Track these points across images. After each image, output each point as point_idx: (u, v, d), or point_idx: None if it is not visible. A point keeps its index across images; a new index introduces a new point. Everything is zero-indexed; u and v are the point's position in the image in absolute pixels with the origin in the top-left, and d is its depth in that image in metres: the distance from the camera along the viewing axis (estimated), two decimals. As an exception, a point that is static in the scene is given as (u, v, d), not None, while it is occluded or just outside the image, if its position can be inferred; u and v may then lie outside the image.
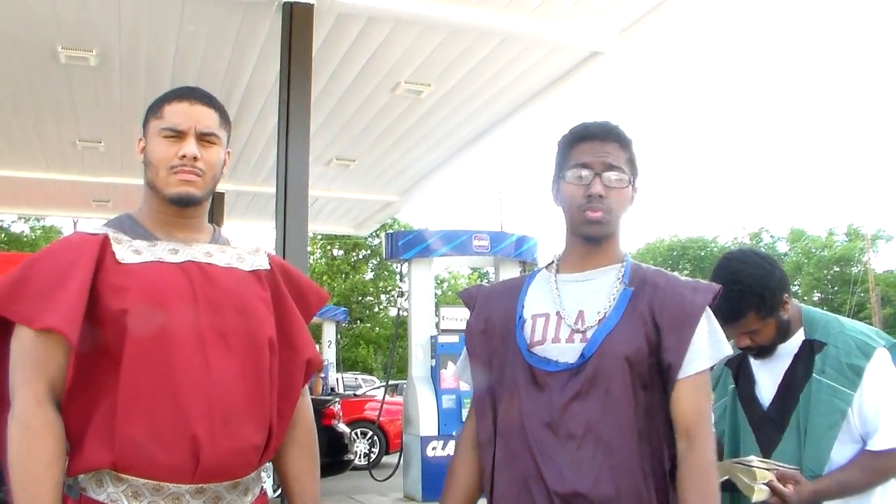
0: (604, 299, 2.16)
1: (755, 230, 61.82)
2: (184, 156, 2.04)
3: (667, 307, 2.11)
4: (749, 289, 2.61)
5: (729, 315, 2.62)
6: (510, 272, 10.43)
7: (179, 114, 2.08)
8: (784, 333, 2.70)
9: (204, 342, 1.95)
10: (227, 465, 1.93)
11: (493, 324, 2.30)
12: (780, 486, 2.44)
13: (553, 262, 2.33)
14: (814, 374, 2.63)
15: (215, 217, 12.61)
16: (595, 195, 2.16)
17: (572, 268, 2.27)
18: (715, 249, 58.18)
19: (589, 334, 2.12)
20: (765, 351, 2.73)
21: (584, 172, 2.18)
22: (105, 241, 2.00)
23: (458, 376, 2.47)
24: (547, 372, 2.12)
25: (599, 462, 2.02)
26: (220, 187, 12.48)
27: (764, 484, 2.44)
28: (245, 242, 2.25)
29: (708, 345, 2.11)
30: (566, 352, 2.12)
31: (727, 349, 2.14)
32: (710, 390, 2.16)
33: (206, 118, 2.11)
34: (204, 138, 2.09)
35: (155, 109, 2.13)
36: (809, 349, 2.68)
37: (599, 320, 2.12)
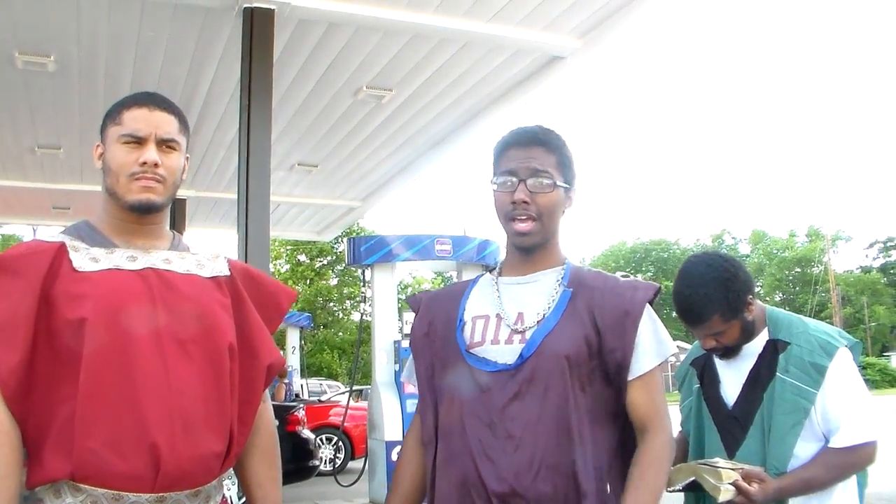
0: (543, 301, 2.19)
1: (717, 232, 62.43)
2: (144, 162, 2.03)
3: (607, 308, 2.14)
4: (713, 292, 2.64)
5: (694, 318, 2.69)
6: (473, 276, 10.42)
7: (139, 120, 2.06)
8: (749, 334, 2.74)
9: (163, 349, 1.93)
10: (188, 473, 1.91)
11: (436, 326, 2.33)
12: (745, 484, 2.48)
13: (496, 266, 2.37)
14: (777, 373, 2.67)
15: (177, 224, 12.51)
16: (519, 201, 2.18)
17: (513, 271, 2.30)
18: (678, 251, 58.65)
19: (528, 335, 2.14)
20: (730, 351, 2.76)
21: (510, 179, 2.21)
22: (61, 250, 1.98)
23: (405, 379, 2.49)
24: (486, 372, 2.14)
25: (538, 462, 2.04)
26: (181, 194, 12.39)
27: (729, 483, 2.48)
28: (205, 249, 2.23)
29: (653, 343, 2.15)
30: (505, 353, 2.15)
31: (671, 347, 2.16)
32: (661, 385, 2.19)
33: (166, 124, 2.09)
34: (164, 144, 2.07)
35: (113, 115, 2.10)
36: (773, 349, 2.72)
37: (538, 321, 2.14)
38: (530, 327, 2.15)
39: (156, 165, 2.04)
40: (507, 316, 2.20)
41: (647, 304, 2.17)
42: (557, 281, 2.23)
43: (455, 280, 12.10)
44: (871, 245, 63.66)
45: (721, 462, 2.56)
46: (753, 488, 2.48)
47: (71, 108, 8.75)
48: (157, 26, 6.94)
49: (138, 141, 2.05)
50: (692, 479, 2.57)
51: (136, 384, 1.87)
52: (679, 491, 2.66)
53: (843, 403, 2.61)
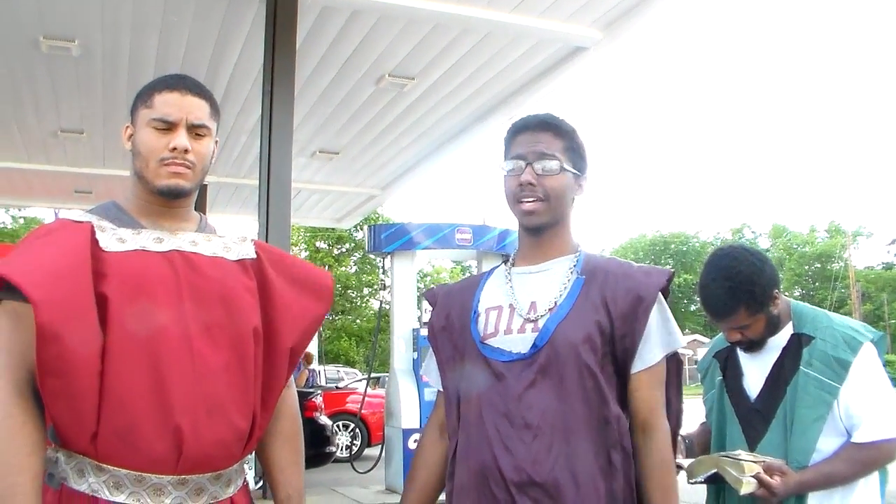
0: (556, 289, 2.18)
1: (737, 226, 62.13)
2: (174, 148, 2.01)
3: (619, 293, 2.13)
4: (740, 285, 2.63)
5: (720, 311, 2.68)
6: (493, 265, 10.40)
7: (170, 104, 2.04)
8: (773, 328, 2.72)
9: (188, 332, 1.92)
10: (210, 456, 1.91)
11: (453, 319, 2.33)
12: (766, 477, 2.47)
13: (510, 257, 2.36)
14: (801, 367, 2.66)
15: (198, 209, 12.53)
16: (525, 183, 2.19)
17: (525, 261, 2.30)
18: (697, 245, 58.43)
19: (541, 323, 2.14)
20: (754, 345, 2.75)
21: (517, 163, 2.22)
22: (91, 229, 1.96)
23: (424, 374, 2.49)
24: (500, 362, 2.14)
25: (555, 451, 2.04)
26: (202, 179, 12.55)
27: (751, 476, 2.46)
28: (232, 232, 2.23)
29: (662, 334, 2.14)
30: (518, 342, 2.15)
31: (680, 340, 2.17)
32: (664, 382, 2.18)
33: (197, 109, 2.07)
34: (195, 130, 2.05)
35: (144, 98, 2.07)
36: (797, 343, 2.70)
37: (550, 309, 2.14)
38: (542, 315, 2.15)
39: (185, 151, 2.03)
40: (519, 305, 2.20)
41: (660, 292, 2.16)
42: (570, 269, 2.22)
43: (475, 269, 12.08)
44: (893, 241, 63.19)
45: (743, 454, 2.55)
46: (775, 481, 2.48)
47: (94, 93, 8.79)
48: (181, 11, 6.96)
49: (169, 126, 2.03)
50: (714, 471, 2.56)
51: (162, 366, 1.87)
52: (700, 483, 2.64)
53: (866, 398, 2.59)
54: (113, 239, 1.97)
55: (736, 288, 2.63)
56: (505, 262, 2.39)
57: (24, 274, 1.77)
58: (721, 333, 2.90)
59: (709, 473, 2.58)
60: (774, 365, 2.74)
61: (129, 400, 1.84)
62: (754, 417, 2.75)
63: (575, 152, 2.26)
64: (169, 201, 2.08)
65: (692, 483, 2.58)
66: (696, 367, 3.22)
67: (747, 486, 2.45)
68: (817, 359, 2.64)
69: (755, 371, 2.80)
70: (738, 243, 2.77)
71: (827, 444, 2.60)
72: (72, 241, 1.89)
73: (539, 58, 7.95)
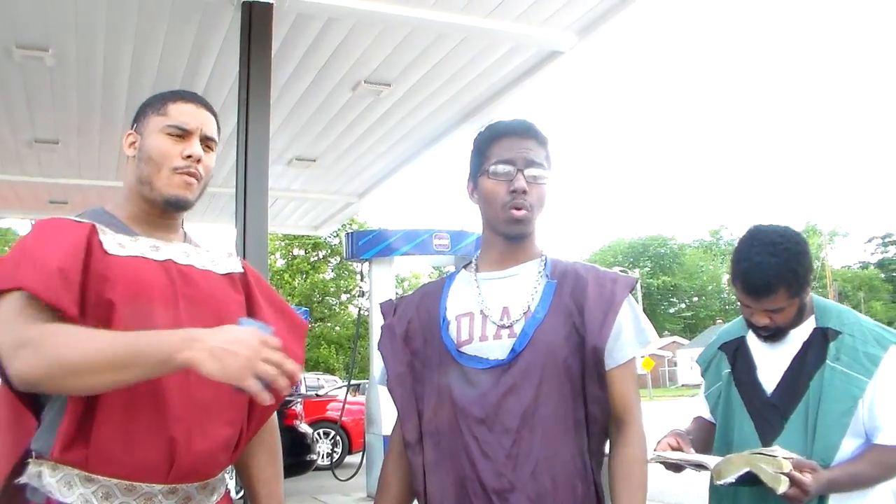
0: (527, 293, 2.19)
1: (715, 227, 62.47)
2: (189, 156, 2.04)
3: (589, 295, 2.14)
4: (786, 262, 2.51)
5: (761, 288, 2.54)
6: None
7: (187, 113, 2.08)
8: (798, 318, 2.63)
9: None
10: (200, 466, 1.93)
11: (415, 326, 2.32)
12: (799, 475, 2.34)
13: (471, 261, 2.36)
14: (827, 361, 2.56)
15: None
16: (520, 190, 2.17)
17: (492, 266, 2.29)
18: (675, 247, 58.67)
19: (517, 329, 2.14)
20: (778, 333, 2.64)
21: (508, 168, 2.20)
22: (93, 229, 1.96)
23: (380, 383, 2.45)
24: (478, 370, 2.13)
25: (535, 455, 2.05)
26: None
27: (783, 473, 2.34)
28: (216, 246, 2.24)
29: (634, 333, 2.16)
30: (494, 349, 2.14)
31: (652, 335, 2.17)
32: (636, 379, 2.18)
33: (209, 123, 2.12)
34: (206, 142, 2.10)
35: (156, 106, 2.10)
36: (822, 337, 2.61)
37: (525, 314, 2.14)
38: (517, 320, 2.15)
39: (199, 161, 2.06)
40: (490, 312, 2.19)
41: (629, 294, 2.17)
42: (539, 272, 2.23)
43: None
44: (870, 240, 63.77)
45: (779, 451, 2.40)
46: (807, 478, 2.35)
47: (69, 103, 8.73)
48: (156, 19, 6.93)
49: (184, 134, 2.06)
50: (745, 470, 2.39)
51: (161, 377, 1.86)
52: (732, 484, 2.44)
53: (891, 400, 2.51)
54: (114, 243, 1.97)
55: (782, 265, 2.50)
56: (465, 266, 2.38)
57: (40, 282, 1.79)
58: (726, 325, 2.84)
59: (741, 473, 2.40)
60: (795, 358, 2.64)
61: (125, 409, 1.84)
62: (769, 413, 2.63)
63: (550, 160, 2.27)
64: (169, 212, 2.11)
65: (721, 484, 2.43)
66: (674, 368, 3.17)
67: (784, 485, 2.32)
68: (845, 353, 2.55)
69: (771, 364, 2.69)
70: (783, 225, 2.63)
71: (845, 444, 2.52)
72: (72, 241, 1.89)
73: (515, 62, 7.97)
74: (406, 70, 8.08)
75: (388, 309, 2.45)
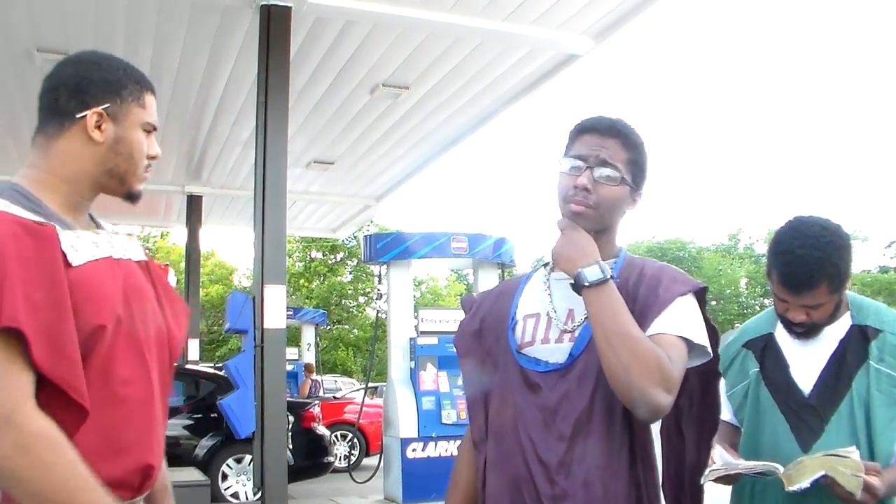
0: None
1: (734, 231, 62.09)
2: (154, 156, 1.95)
3: (642, 294, 2.06)
4: (829, 256, 2.37)
5: (803, 282, 2.41)
6: (489, 274, 10.45)
7: (153, 108, 1.98)
8: (834, 315, 2.50)
9: (150, 353, 1.84)
10: (155, 474, 1.87)
11: (488, 324, 2.28)
12: (868, 478, 2.21)
13: (550, 261, 2.25)
14: (870, 362, 2.45)
15: (192, 220, 12.56)
16: (580, 186, 2.10)
17: None
18: (693, 251, 58.36)
19: (577, 333, 2.09)
20: (814, 330, 2.51)
21: (577, 164, 2.13)
22: (57, 239, 1.69)
23: (466, 393, 2.40)
24: (537, 373, 2.10)
25: (588, 463, 2.00)
26: (197, 191, 12.45)
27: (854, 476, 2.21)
28: (110, 226, 2.00)
29: (677, 321, 2.03)
30: (555, 352, 2.10)
31: (700, 337, 2.04)
32: (684, 357, 2.01)
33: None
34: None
35: (135, 94, 1.94)
36: (861, 335, 2.49)
37: (586, 318, 2.06)
38: (579, 325, 2.10)
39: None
40: (557, 315, 2.14)
41: (691, 295, 2.08)
42: None
43: (471, 278, 12.07)
44: (889, 245, 63.26)
45: (854, 452, 2.27)
46: (875, 481, 2.22)
47: (89, 106, 8.78)
48: (174, 23, 6.98)
49: (152, 131, 1.96)
50: (821, 473, 2.23)
51: (153, 401, 1.81)
52: (806, 488, 2.25)
53: None
54: (68, 247, 1.70)
55: (825, 259, 2.37)
56: (545, 265, 2.32)
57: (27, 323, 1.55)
58: (749, 320, 2.73)
59: (816, 477, 2.25)
60: (833, 357, 2.51)
61: (109, 427, 1.72)
62: (807, 414, 2.49)
63: (637, 166, 2.18)
64: (97, 196, 1.92)
65: (792, 490, 2.27)
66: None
67: (860, 488, 2.19)
68: (889, 354, 2.43)
69: (805, 363, 2.55)
70: (814, 216, 2.50)
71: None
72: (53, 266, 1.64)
73: (532, 66, 7.97)
74: (424, 73, 8.09)
75: (468, 305, 2.42)
